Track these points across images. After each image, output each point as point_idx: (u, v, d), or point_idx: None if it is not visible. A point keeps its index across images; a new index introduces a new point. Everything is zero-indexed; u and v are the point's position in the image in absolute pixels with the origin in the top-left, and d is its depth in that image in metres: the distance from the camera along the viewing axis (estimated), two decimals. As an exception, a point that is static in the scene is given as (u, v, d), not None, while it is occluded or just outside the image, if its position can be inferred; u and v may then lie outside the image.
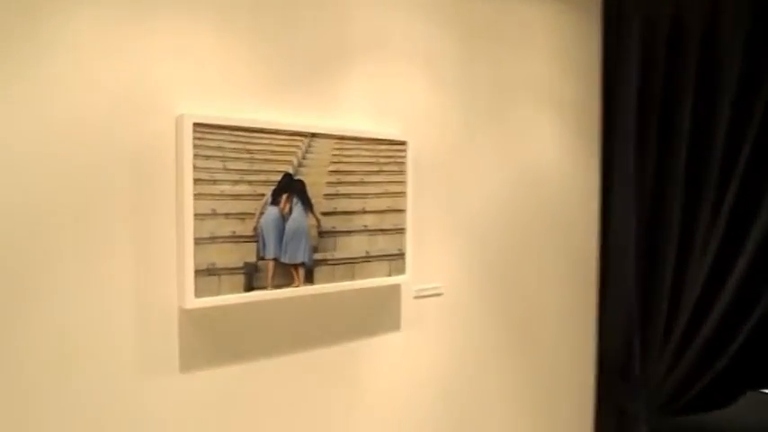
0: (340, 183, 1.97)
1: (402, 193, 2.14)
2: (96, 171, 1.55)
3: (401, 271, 2.15)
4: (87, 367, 1.55)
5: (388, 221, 2.10)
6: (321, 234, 1.93)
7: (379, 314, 2.18)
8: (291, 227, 1.86)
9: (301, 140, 1.88)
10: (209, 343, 1.77)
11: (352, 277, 2.02)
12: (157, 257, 1.65)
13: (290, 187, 1.85)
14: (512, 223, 2.60)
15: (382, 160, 2.08)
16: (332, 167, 1.95)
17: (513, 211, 2.60)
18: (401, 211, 2.14)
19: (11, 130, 1.43)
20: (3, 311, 1.43)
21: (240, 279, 1.76)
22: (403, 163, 2.13)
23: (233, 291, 1.75)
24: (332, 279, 1.96)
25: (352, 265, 2.01)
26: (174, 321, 1.69)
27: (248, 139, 1.76)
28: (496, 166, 2.52)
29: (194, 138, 1.65)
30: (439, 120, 2.32)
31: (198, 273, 1.67)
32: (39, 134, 1.47)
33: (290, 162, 1.85)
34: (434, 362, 2.36)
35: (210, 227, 1.70)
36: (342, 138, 1.98)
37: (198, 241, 1.67)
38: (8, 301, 1.44)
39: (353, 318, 2.10)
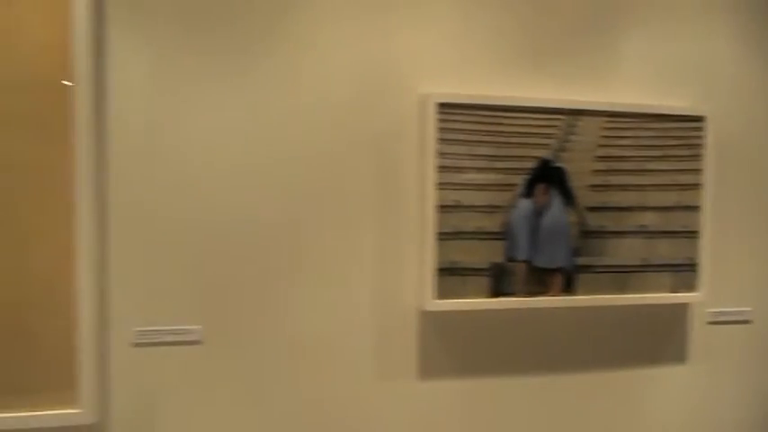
0: (611, 171, 1.59)
1: (696, 186, 1.64)
2: (338, 160, 1.49)
3: (691, 287, 1.65)
4: (327, 369, 1.50)
5: (676, 222, 1.63)
6: (585, 234, 1.57)
7: (657, 339, 1.71)
8: (548, 224, 1.55)
9: (562, 119, 1.55)
10: (448, 349, 1.58)
11: (623, 290, 1.61)
12: (397, 254, 1.52)
13: (548, 176, 1.54)
14: None
15: (670, 142, 1.62)
16: (600, 152, 1.58)
17: None
18: (694, 208, 1.64)
19: (259, 120, 1.44)
20: (253, 308, 1.46)
21: (485, 282, 1.52)
22: (699, 145, 1.64)
23: (477, 294, 1.52)
24: (597, 290, 1.58)
25: (623, 274, 1.61)
26: (413, 324, 1.55)
27: (498, 120, 1.51)
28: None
29: (438, 119, 1.47)
30: (749, 89, 1.74)
31: (439, 272, 1.49)
32: (283, 124, 1.46)
33: (547, 146, 1.54)
34: (734, 411, 1.79)
35: (454, 221, 1.50)
36: (613, 114, 1.58)
37: (440, 237, 1.49)
38: (259, 298, 1.46)
39: (621, 340, 1.69)
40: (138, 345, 1.39)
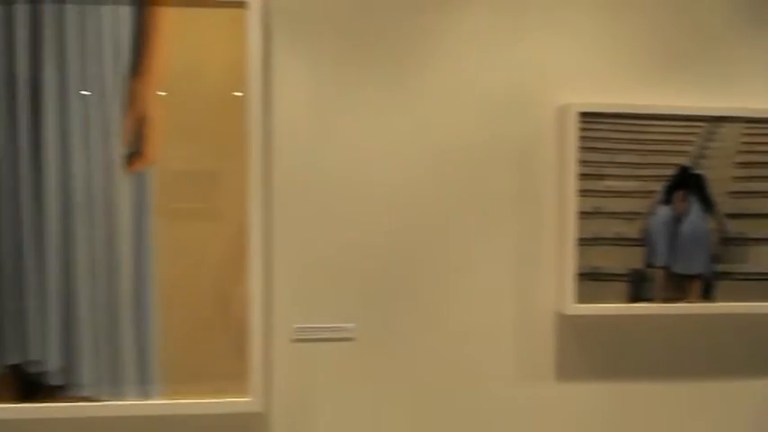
0: (751, 178, 1.57)
1: (841, 192, 1.61)
2: (480, 168, 1.55)
3: (833, 296, 1.62)
4: (469, 368, 1.55)
5: (818, 229, 1.61)
6: (725, 241, 1.57)
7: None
8: (687, 230, 1.56)
9: (701, 126, 1.56)
10: (586, 353, 1.60)
11: (764, 297, 1.59)
12: (537, 258, 1.56)
13: (687, 183, 1.55)
14: None
15: (815, 148, 1.60)
16: (740, 158, 1.57)
17: None
18: (839, 215, 1.61)
19: (410, 130, 1.52)
20: (402, 308, 1.53)
21: (624, 287, 1.54)
22: (844, 151, 1.61)
23: (616, 299, 1.54)
24: (738, 297, 1.57)
25: (764, 282, 1.59)
26: (552, 327, 1.58)
27: (639, 128, 1.53)
28: None
29: (579, 128, 1.51)
30: None
31: (579, 277, 1.53)
32: (431, 134, 1.53)
33: (686, 153, 1.55)
34: None
35: (594, 227, 1.53)
36: (754, 121, 1.57)
37: (580, 242, 1.53)
38: (408, 299, 1.53)
39: (762, 349, 1.67)
40: (297, 340, 1.50)
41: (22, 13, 1.36)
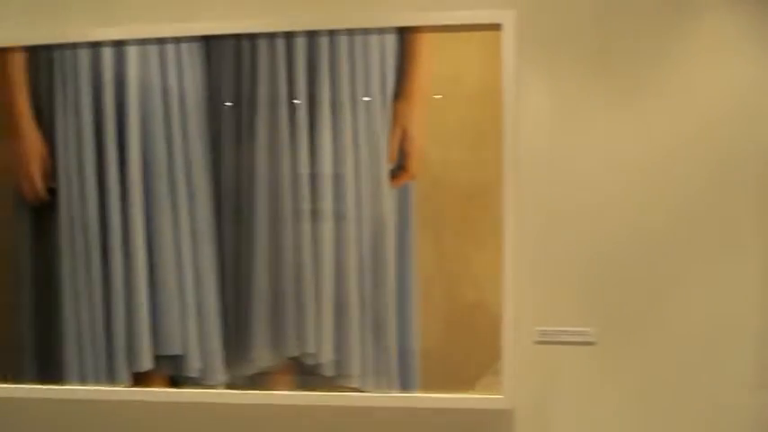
0: None
1: None
2: (724, 172, 1.56)
3: None
4: (708, 376, 1.57)
5: None
6: None
7: None
8: None
9: None
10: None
11: None
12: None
13: None
14: None
15: None
16: None
17: None
18: None
19: (647, 143, 1.55)
20: (641, 315, 1.57)
21: None
22: None
23: None
24: None
25: None
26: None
27: None
28: None
29: (835, 136, 1.49)
30: None
31: (831, 287, 1.50)
32: (667, 147, 1.55)
33: None
34: None
35: None
36: None
37: (833, 251, 1.50)
38: (647, 306, 1.56)
39: None
40: (539, 342, 1.58)
41: (301, 43, 1.54)
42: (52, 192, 1.63)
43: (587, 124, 1.57)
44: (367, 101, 1.53)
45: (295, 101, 1.54)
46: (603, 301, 1.58)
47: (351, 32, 1.52)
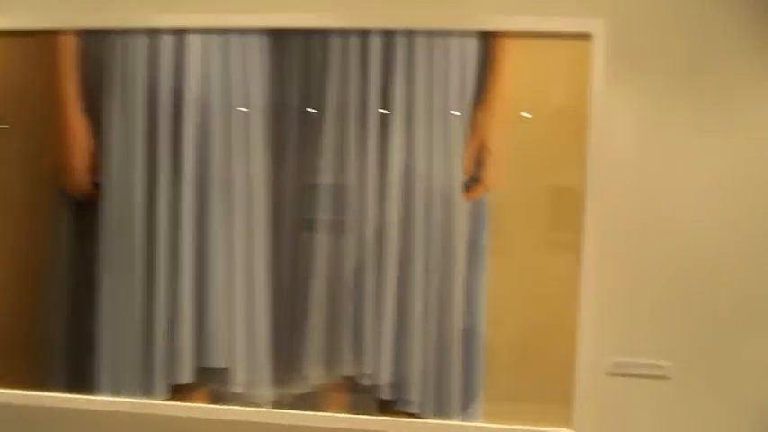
0: None
1: None
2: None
3: None
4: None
5: None
6: None
7: None
8: None
9: None
10: None
11: None
12: None
13: None
14: None
15: None
16: None
17: None
18: None
19: (734, 170, 1.46)
20: (719, 352, 1.48)
21: None
22: None
23: None
24: None
25: None
26: None
27: None
28: None
29: None
30: None
31: None
32: (756, 174, 1.48)
33: None
34: None
35: None
36: None
37: None
38: (725, 343, 1.48)
39: None
40: (612, 374, 1.49)
41: (375, 42, 1.44)
42: (97, 186, 1.53)
43: (675, 146, 1.48)
44: (444, 108, 1.44)
45: (370, 105, 1.44)
46: (682, 336, 1.48)
47: (430, 34, 1.43)
